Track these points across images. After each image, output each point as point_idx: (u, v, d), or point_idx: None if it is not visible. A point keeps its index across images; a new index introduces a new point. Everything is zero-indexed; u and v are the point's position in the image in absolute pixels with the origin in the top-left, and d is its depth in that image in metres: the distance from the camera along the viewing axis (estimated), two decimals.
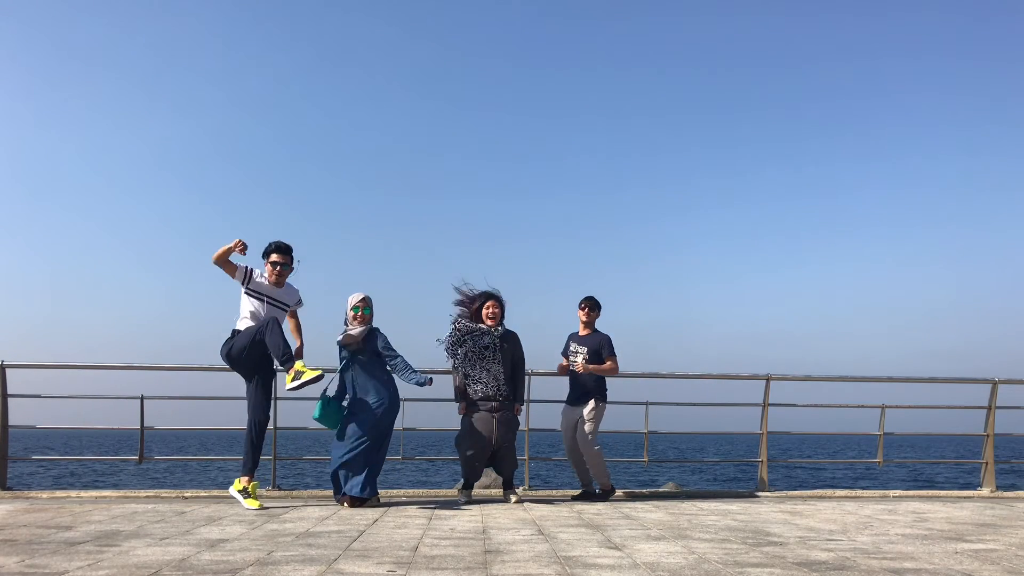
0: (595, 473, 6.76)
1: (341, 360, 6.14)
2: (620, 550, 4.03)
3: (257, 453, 5.87)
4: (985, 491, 7.70)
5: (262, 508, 5.67)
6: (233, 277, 5.89)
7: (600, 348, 6.78)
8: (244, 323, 5.92)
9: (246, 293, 5.93)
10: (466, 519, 5.22)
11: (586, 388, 6.74)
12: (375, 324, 6.15)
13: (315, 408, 6.01)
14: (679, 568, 3.56)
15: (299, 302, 6.21)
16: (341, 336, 6.05)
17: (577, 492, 6.94)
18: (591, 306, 6.94)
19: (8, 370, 6.91)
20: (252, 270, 5.94)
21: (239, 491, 5.82)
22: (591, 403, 6.67)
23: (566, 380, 6.95)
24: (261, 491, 6.87)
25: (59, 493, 6.79)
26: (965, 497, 7.39)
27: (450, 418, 6.61)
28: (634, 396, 7.49)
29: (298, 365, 5.69)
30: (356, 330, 6.02)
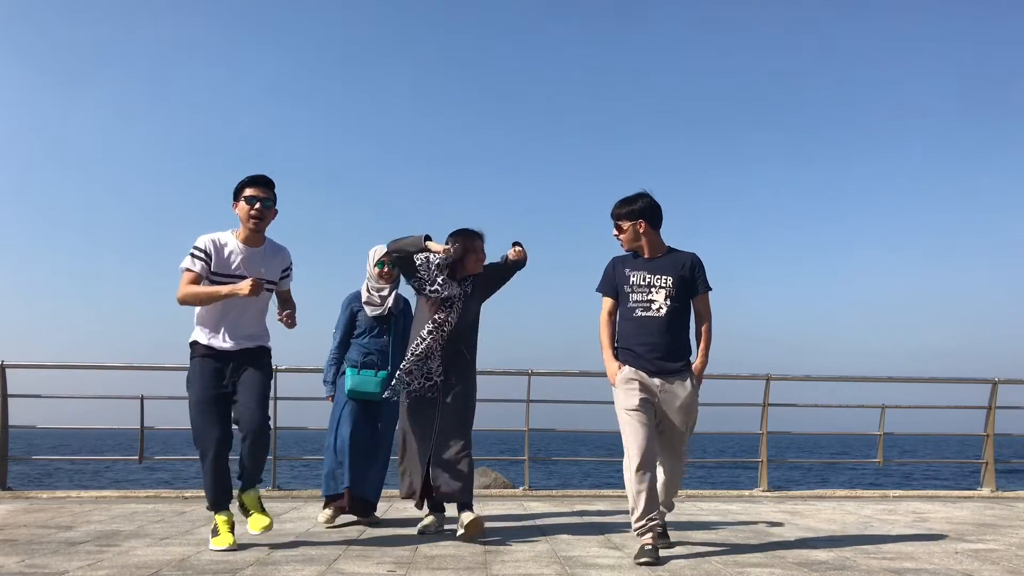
0: (672, 494, 4.21)
1: (350, 323, 4.96)
2: (620, 550, 4.03)
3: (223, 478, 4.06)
4: (985, 491, 7.69)
5: (233, 546, 3.91)
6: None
7: (694, 276, 4.00)
8: (203, 333, 4.00)
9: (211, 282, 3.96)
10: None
11: (676, 349, 3.99)
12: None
13: (354, 381, 4.74)
14: (679, 568, 3.56)
15: (288, 272, 4.18)
16: (366, 297, 4.91)
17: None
18: (646, 215, 3.99)
19: (8, 370, 6.90)
20: (211, 255, 3.94)
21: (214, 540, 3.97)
22: (690, 379, 4.01)
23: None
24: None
25: (59, 493, 6.78)
26: (965, 497, 7.38)
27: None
28: None
29: (254, 516, 4.05)
30: (386, 291, 4.88)
